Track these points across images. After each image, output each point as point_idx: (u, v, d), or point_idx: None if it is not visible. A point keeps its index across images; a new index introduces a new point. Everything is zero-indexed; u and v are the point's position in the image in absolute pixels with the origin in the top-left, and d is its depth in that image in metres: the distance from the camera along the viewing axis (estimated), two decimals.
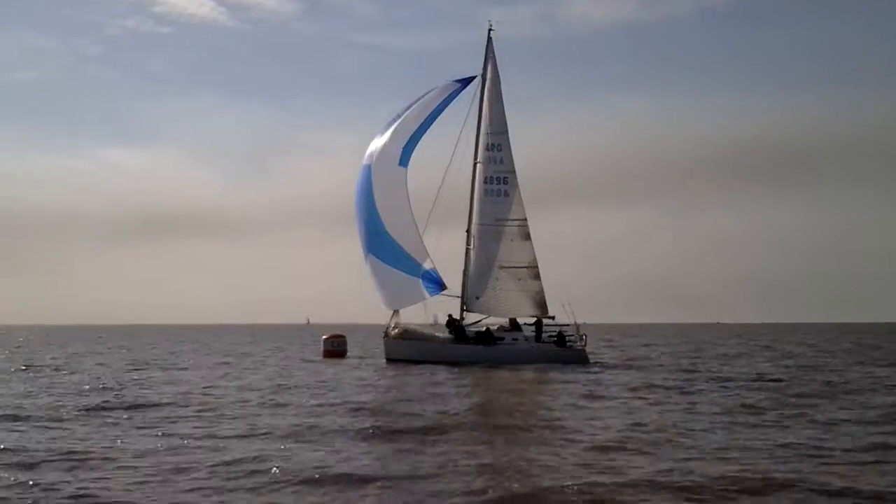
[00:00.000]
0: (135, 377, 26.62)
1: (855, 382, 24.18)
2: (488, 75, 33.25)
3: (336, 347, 38.80)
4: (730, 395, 20.26)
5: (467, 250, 32.98)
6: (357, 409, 16.86)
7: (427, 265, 31.72)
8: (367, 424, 14.54)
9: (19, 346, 57.27)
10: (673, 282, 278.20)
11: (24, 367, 31.63)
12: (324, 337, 40.67)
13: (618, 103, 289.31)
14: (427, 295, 31.89)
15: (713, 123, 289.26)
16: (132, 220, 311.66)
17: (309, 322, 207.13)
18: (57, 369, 30.76)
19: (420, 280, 31.67)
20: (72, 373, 28.87)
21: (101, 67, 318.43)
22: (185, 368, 31.81)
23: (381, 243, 31.66)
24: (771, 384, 23.52)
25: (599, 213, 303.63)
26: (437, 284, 31.99)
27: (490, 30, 33.56)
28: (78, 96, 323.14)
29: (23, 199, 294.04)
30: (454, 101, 33.15)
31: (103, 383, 23.92)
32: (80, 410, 16.93)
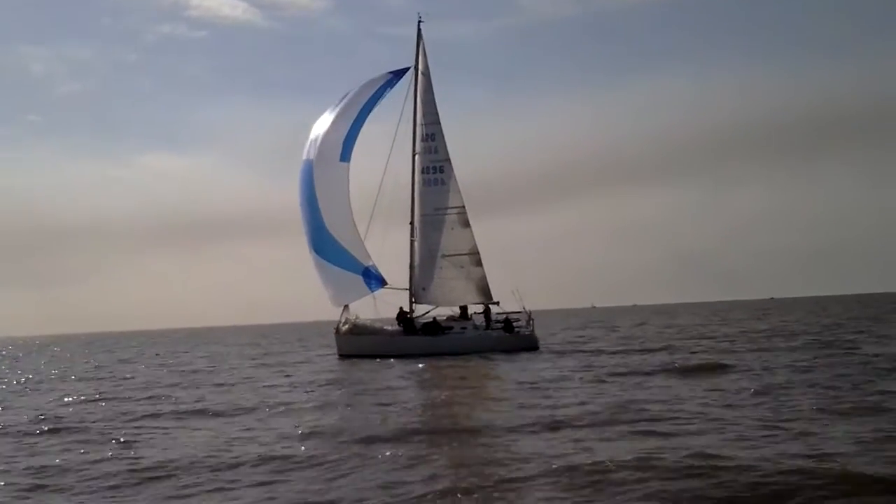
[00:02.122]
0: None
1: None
2: (420, 67, 33.27)
3: None
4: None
5: (412, 242, 33.08)
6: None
7: (367, 262, 31.91)
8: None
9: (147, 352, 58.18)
10: (719, 259, 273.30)
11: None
12: None
13: (651, 82, 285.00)
14: (369, 291, 32.08)
15: (753, 97, 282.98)
16: (175, 225, 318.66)
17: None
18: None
19: (361, 277, 31.91)
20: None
21: (138, 75, 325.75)
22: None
23: (323, 240, 31.96)
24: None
25: (634, 194, 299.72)
26: (378, 280, 32.19)
27: (420, 22, 33.66)
28: (118, 105, 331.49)
29: (68, 208, 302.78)
30: (390, 91, 33.23)
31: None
32: None
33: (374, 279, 32.09)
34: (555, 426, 12.62)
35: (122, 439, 13.39)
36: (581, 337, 43.54)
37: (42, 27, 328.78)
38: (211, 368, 32.38)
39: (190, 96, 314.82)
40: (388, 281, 32.38)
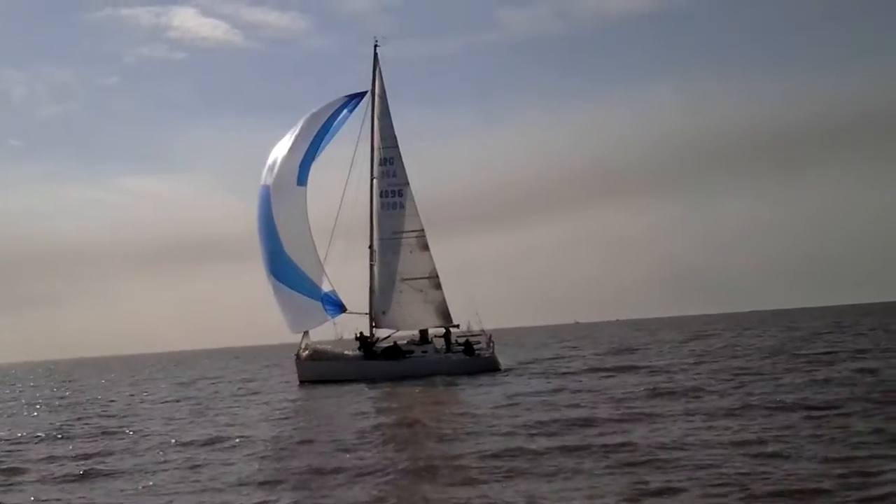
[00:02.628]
0: None
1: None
2: (377, 90, 33.40)
3: None
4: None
5: (371, 266, 33.05)
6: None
7: (326, 287, 31.81)
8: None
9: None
10: (706, 273, 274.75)
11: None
12: None
13: (634, 95, 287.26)
14: (328, 317, 31.99)
15: (732, 109, 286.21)
16: (160, 248, 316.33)
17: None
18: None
19: (320, 303, 31.78)
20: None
21: (119, 97, 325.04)
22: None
23: (281, 264, 31.73)
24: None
25: (620, 209, 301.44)
26: (338, 306, 32.10)
27: (376, 45, 33.80)
28: (99, 127, 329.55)
29: (51, 232, 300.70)
30: (349, 115, 33.29)
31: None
32: None
33: (333, 305, 32.00)
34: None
35: None
36: (550, 356, 43.49)
37: (22, 50, 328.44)
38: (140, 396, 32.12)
39: (171, 118, 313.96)
40: (347, 307, 32.28)
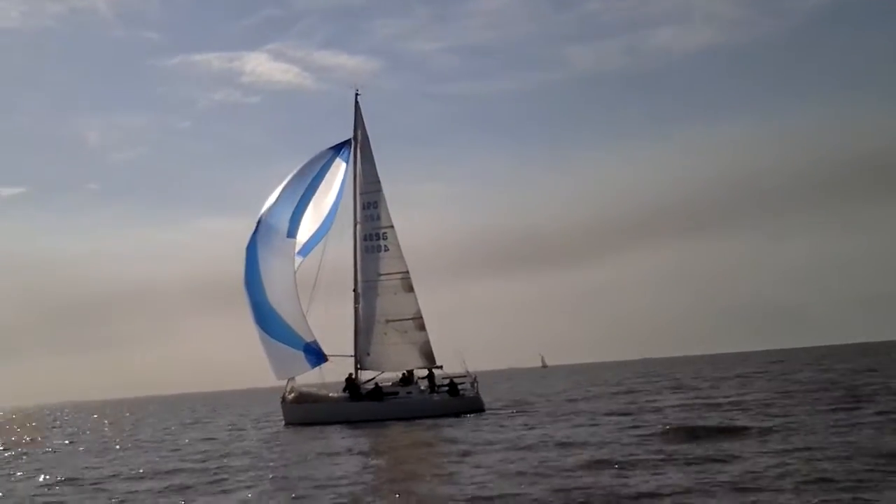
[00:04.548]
0: None
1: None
2: (359, 137, 34.20)
3: None
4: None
5: (356, 308, 33.50)
6: None
7: (308, 338, 32.33)
8: None
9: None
10: (793, 307, 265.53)
11: None
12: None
13: (712, 130, 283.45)
14: (309, 367, 32.58)
15: (812, 143, 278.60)
16: (233, 287, 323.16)
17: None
18: None
19: (302, 352, 32.36)
20: None
21: (192, 140, 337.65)
22: None
23: (265, 315, 32.35)
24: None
25: (704, 243, 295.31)
26: (319, 356, 32.58)
27: (357, 94, 34.68)
28: (173, 170, 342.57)
29: (127, 273, 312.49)
30: (334, 165, 34.11)
31: None
32: None
33: (314, 355, 32.49)
34: None
35: None
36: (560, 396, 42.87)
37: (96, 97, 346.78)
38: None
39: (244, 160, 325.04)
40: (328, 357, 32.78)
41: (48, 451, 29.20)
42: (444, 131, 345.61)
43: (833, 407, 23.57)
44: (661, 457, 15.52)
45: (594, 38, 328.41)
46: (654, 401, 33.02)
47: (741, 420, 21.68)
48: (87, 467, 21.68)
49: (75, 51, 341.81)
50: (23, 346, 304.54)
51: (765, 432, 18.39)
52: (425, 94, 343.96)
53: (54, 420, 68.84)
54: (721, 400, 30.39)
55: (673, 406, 29.20)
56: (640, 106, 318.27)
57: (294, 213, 33.18)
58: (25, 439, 38.29)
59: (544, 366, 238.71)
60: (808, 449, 15.20)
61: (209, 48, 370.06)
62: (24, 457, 27.03)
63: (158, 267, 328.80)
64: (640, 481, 12.94)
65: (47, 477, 19.62)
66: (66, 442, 34.10)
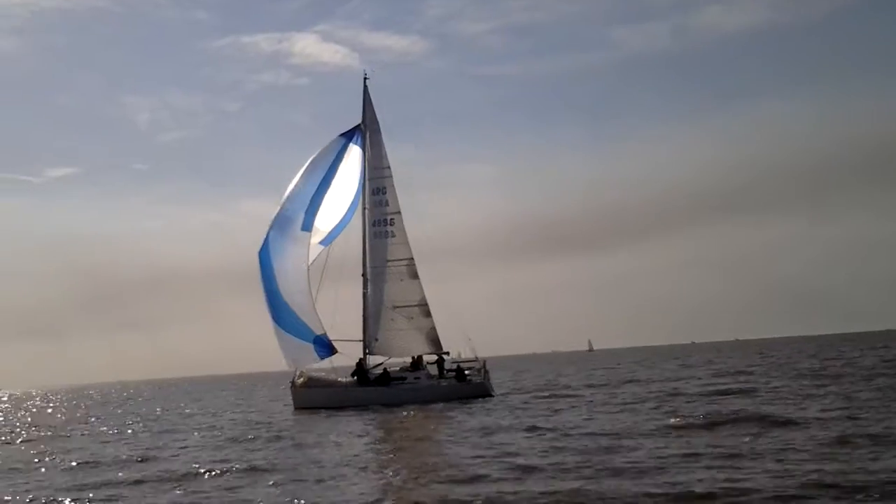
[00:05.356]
0: None
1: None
2: (367, 122, 34.16)
3: None
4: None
5: (364, 294, 33.65)
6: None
7: (318, 331, 32.41)
8: None
9: None
10: (829, 291, 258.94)
11: None
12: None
13: (756, 110, 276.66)
14: (319, 359, 32.80)
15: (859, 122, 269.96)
16: None
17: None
18: None
19: (312, 345, 32.49)
20: None
21: (240, 122, 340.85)
22: None
23: (277, 306, 32.44)
24: None
25: (737, 227, 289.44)
26: (328, 348, 32.71)
27: (366, 79, 34.60)
28: (220, 152, 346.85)
29: (173, 253, 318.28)
30: (347, 152, 34.03)
31: None
32: None
33: (323, 347, 32.64)
34: None
35: None
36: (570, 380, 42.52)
37: (146, 77, 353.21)
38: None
39: (290, 143, 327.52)
40: (337, 349, 32.90)
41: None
42: (489, 113, 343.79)
43: None
44: None
45: (639, 18, 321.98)
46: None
47: None
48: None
49: (126, 30, 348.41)
50: (69, 325, 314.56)
51: None
52: (471, 76, 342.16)
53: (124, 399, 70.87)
54: None
55: None
56: (683, 88, 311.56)
57: (310, 205, 32.96)
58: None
59: (591, 350, 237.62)
60: None
61: (258, 29, 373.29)
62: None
63: (201, 248, 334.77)
64: None
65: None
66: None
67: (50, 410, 52.55)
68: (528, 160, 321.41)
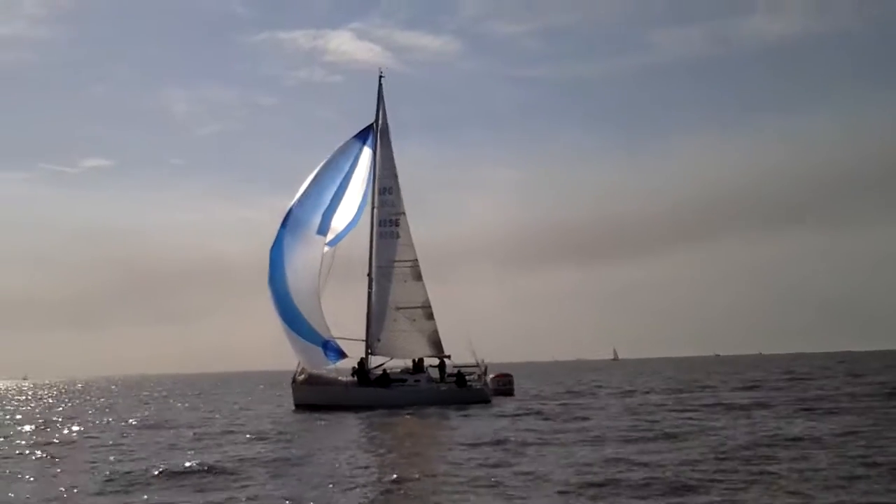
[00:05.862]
0: None
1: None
2: (379, 122, 34.05)
3: (503, 387, 37.92)
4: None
5: (369, 293, 33.50)
6: None
7: (326, 335, 32.10)
8: None
9: None
10: (853, 304, 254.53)
11: None
12: (490, 377, 35.94)
13: (779, 122, 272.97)
14: (329, 362, 32.56)
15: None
16: None
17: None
18: None
19: (321, 349, 32.21)
20: None
21: (276, 117, 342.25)
22: None
23: (286, 308, 32.04)
24: None
25: (764, 239, 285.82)
26: (337, 353, 32.51)
27: (381, 77, 34.49)
28: (255, 147, 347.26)
29: (204, 249, 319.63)
30: (361, 154, 33.72)
31: None
32: None
33: (332, 352, 32.43)
34: None
35: None
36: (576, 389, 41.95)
37: (184, 70, 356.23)
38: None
39: (323, 140, 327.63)
40: (347, 354, 32.66)
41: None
42: (523, 116, 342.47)
43: None
44: None
45: (680, 22, 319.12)
46: None
47: None
48: None
49: (163, 23, 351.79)
50: (105, 317, 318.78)
51: None
52: (507, 77, 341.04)
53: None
54: None
55: None
56: (721, 95, 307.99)
57: (327, 208, 32.67)
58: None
59: (616, 358, 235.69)
60: None
61: (295, 25, 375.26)
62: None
63: (233, 243, 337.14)
64: None
65: None
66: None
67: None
68: (561, 165, 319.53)
